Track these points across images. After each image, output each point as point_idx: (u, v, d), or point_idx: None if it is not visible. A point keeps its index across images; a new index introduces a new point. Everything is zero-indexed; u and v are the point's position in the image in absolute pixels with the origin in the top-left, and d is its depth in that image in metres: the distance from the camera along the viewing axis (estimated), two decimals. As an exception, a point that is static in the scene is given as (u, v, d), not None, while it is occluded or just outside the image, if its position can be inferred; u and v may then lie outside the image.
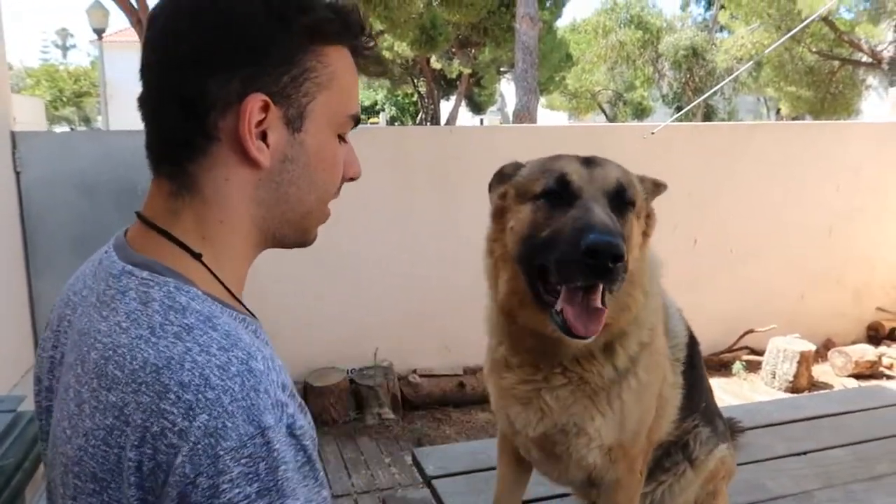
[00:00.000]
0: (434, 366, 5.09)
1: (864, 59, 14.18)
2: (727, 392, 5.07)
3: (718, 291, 5.50)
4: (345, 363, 4.89)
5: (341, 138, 0.93)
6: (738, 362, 5.57)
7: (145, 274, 0.80)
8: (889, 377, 5.43)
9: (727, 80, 10.84)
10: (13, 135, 4.34)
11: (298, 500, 0.71)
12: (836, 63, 14.70)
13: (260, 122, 0.82)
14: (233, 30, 0.81)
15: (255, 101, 0.81)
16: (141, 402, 0.72)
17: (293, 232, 0.92)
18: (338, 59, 0.89)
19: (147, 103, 0.85)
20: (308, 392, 4.61)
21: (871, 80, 15.35)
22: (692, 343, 1.58)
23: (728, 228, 5.65)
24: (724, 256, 5.66)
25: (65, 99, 29.05)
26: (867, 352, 5.51)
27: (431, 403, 4.88)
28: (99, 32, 15.79)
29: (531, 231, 1.25)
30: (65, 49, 43.02)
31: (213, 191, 0.84)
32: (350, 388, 4.75)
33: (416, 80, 21.29)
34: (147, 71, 0.84)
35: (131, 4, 9.91)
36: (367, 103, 29.35)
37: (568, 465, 1.46)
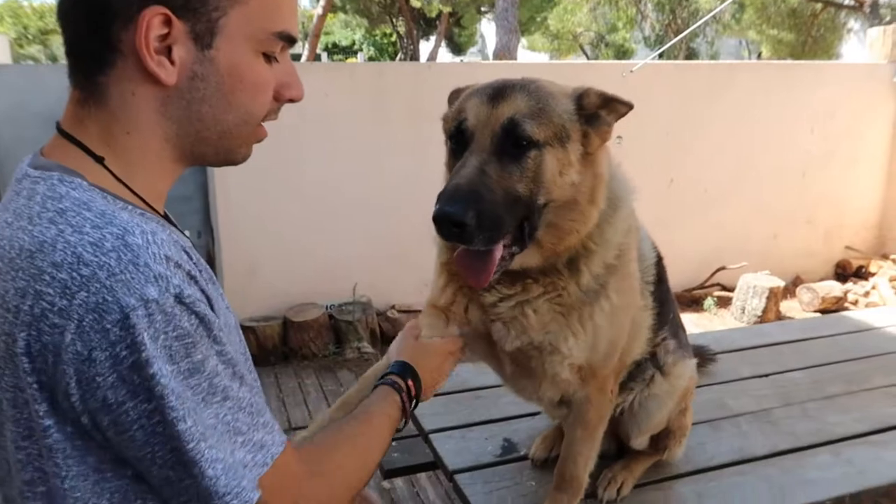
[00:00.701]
0: (412, 302, 5.15)
1: (847, 1, 14.10)
2: (698, 326, 5.21)
3: (693, 230, 5.58)
4: (324, 299, 4.93)
5: (269, 58, 0.90)
6: (709, 298, 5.71)
7: (37, 173, 0.82)
8: (853, 313, 5.61)
9: (708, 16, 10.73)
10: (-22, 65, 4.22)
11: (182, 362, 0.74)
12: (819, 6, 14.61)
13: (164, 38, 0.81)
14: None
15: (152, 14, 0.79)
16: (18, 287, 0.74)
17: (213, 150, 0.91)
18: None
19: (62, 16, 0.84)
20: (288, 327, 4.66)
21: (853, 23, 15.32)
22: (659, 261, 1.62)
23: (704, 168, 5.70)
24: (700, 196, 5.73)
25: (30, 37, 28.00)
26: (834, 288, 5.67)
27: (410, 338, 4.96)
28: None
29: (447, 174, 1.28)
30: (28, -17, 41.30)
31: (119, 103, 0.84)
32: (329, 324, 4.80)
33: (394, 20, 20.78)
34: None
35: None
36: (344, 43, 28.67)
37: (542, 381, 1.49)
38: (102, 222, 0.75)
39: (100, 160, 0.84)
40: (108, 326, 0.71)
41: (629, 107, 1.30)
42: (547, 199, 1.22)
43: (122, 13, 0.80)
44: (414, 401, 1.27)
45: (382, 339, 4.91)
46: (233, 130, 0.90)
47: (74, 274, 0.72)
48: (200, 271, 0.85)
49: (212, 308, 0.83)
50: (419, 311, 5.71)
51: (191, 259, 0.84)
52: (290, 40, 0.91)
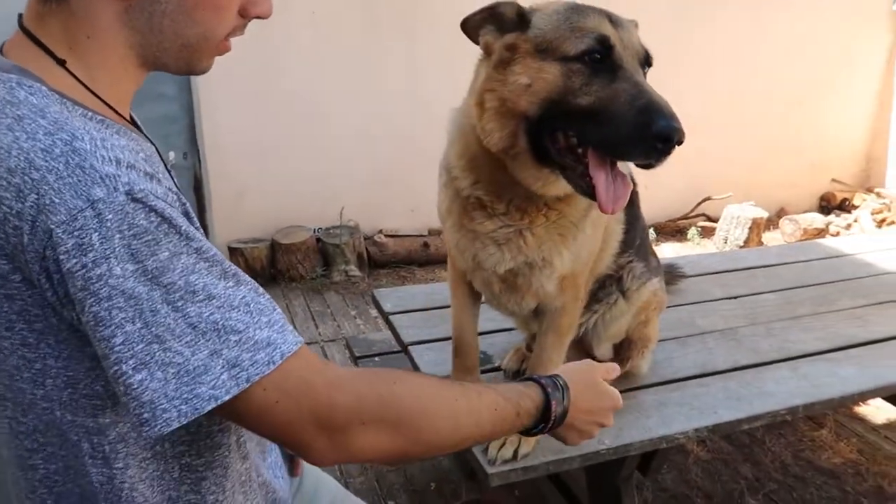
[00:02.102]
0: (399, 226, 5.20)
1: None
2: (680, 255, 5.30)
3: (677, 160, 5.40)
4: (312, 223, 4.96)
5: None
6: (693, 228, 5.78)
7: None
8: (834, 244, 5.70)
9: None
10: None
11: (147, 262, 0.74)
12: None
13: None
14: None
15: None
16: None
17: (174, 61, 0.91)
18: None
19: None
20: (275, 249, 4.71)
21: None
22: (632, 182, 1.66)
23: (690, 95, 5.64)
24: (687, 126, 5.69)
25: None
26: (816, 220, 5.74)
27: (397, 262, 5.03)
28: None
29: (562, 96, 1.20)
30: None
31: (79, 5, 0.83)
32: (317, 247, 4.86)
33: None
34: None
35: None
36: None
37: (525, 295, 1.57)
38: (54, 128, 0.77)
39: (61, 63, 0.84)
40: (53, 227, 0.73)
41: None
42: None
43: None
44: (550, 423, 1.08)
45: (370, 263, 4.98)
46: (194, 45, 0.90)
47: (27, 178, 0.74)
48: (163, 175, 0.85)
49: (187, 214, 0.84)
50: (406, 236, 5.69)
51: (150, 164, 0.84)
52: None
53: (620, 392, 1.20)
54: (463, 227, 1.50)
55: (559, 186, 1.33)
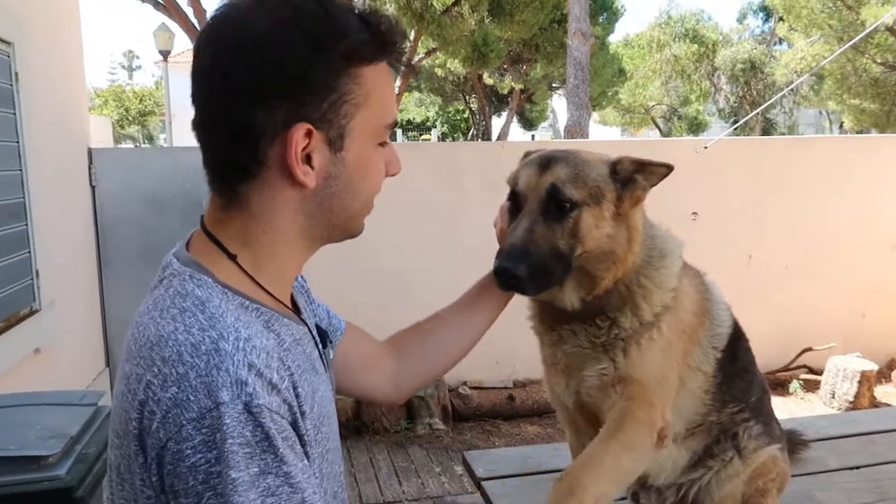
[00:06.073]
0: (484, 378, 5.14)
1: (933, 70, 13.70)
2: (784, 411, 4.96)
3: (774, 308, 5.39)
4: (396, 373, 4.98)
5: (381, 144, 0.99)
6: (795, 381, 5.45)
7: (176, 266, 0.91)
8: (957, 399, 5.22)
9: (783, 94, 10.62)
10: (90, 151, 4.63)
11: (242, 472, 0.77)
12: (902, 75, 14.23)
13: (304, 147, 0.89)
14: (273, 63, 0.85)
15: (299, 131, 0.87)
16: (138, 373, 0.83)
17: (339, 233, 1.00)
18: (373, 76, 0.93)
19: (199, 129, 0.92)
20: (361, 401, 4.72)
21: (940, 91, 14.79)
22: (736, 336, 1.60)
23: (784, 244, 5.55)
24: (780, 272, 5.56)
25: (130, 118, 30.34)
26: (934, 372, 5.32)
27: (481, 415, 4.93)
28: (164, 54, 16.48)
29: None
30: (131, 70, 45.11)
31: (259, 208, 0.92)
32: (401, 398, 4.84)
33: (467, 97, 21.49)
34: (197, 100, 0.91)
35: (194, 27, 10.37)
36: (418, 120, 29.70)
37: (601, 418, 1.48)
38: (208, 325, 0.83)
39: (232, 257, 0.92)
40: (184, 423, 0.78)
41: (667, 167, 1.41)
42: (583, 250, 1.38)
43: (268, 131, 0.88)
44: None
45: (454, 416, 4.89)
46: (357, 213, 1.00)
47: (173, 370, 0.80)
48: (292, 372, 0.89)
49: (301, 412, 0.88)
50: (490, 389, 5.65)
51: (283, 363, 0.88)
52: (395, 126, 1.04)
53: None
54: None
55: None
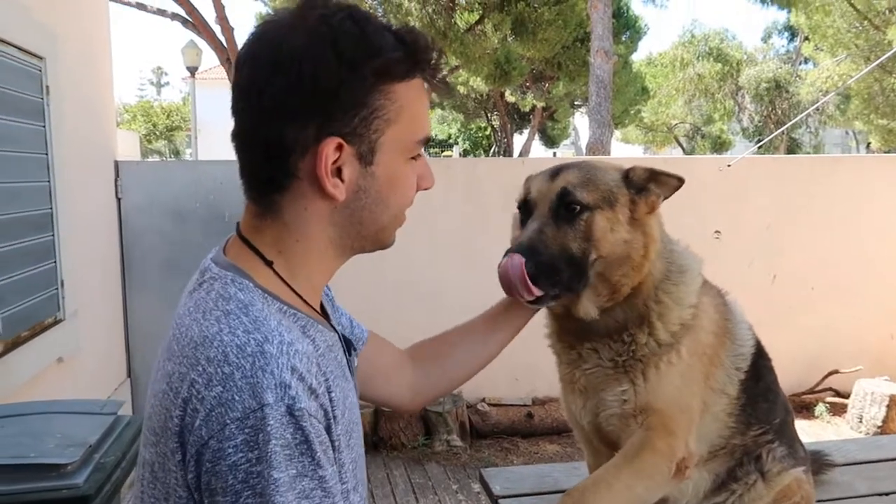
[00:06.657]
0: (503, 395, 5.10)
1: (962, 90, 13.49)
2: (810, 435, 4.86)
3: (799, 330, 5.30)
4: (415, 389, 4.96)
5: (412, 158, 1.01)
6: (821, 404, 5.33)
7: (216, 270, 0.94)
8: None
9: (806, 112, 10.54)
10: (116, 164, 4.71)
11: (283, 473, 0.79)
12: (931, 94, 14.03)
13: (335, 161, 0.92)
14: (307, 81, 0.89)
15: (330, 145, 0.91)
16: (181, 371, 0.85)
17: (370, 244, 1.03)
18: (406, 92, 0.96)
19: (237, 140, 0.96)
20: (379, 416, 4.71)
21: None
22: (759, 356, 1.57)
23: (809, 264, 5.46)
24: (806, 293, 5.47)
25: (158, 133, 30.87)
26: (964, 398, 5.17)
27: (499, 432, 4.89)
28: (192, 70, 16.76)
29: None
30: (159, 86, 45.97)
31: (292, 217, 0.95)
32: (419, 414, 4.81)
33: (489, 114, 21.57)
34: (236, 113, 0.95)
35: (222, 44, 10.55)
36: (440, 137, 29.86)
37: (620, 444, 1.45)
38: (253, 328, 0.86)
39: (269, 264, 0.96)
40: (228, 422, 0.80)
41: (678, 180, 1.40)
42: (598, 254, 1.35)
43: (300, 145, 0.91)
44: None
45: (472, 432, 4.86)
46: (387, 226, 1.02)
47: (218, 370, 0.82)
48: (327, 378, 0.91)
49: (334, 417, 0.89)
50: (509, 406, 5.62)
51: (320, 369, 0.90)
52: (429, 141, 1.03)
53: None
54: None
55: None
